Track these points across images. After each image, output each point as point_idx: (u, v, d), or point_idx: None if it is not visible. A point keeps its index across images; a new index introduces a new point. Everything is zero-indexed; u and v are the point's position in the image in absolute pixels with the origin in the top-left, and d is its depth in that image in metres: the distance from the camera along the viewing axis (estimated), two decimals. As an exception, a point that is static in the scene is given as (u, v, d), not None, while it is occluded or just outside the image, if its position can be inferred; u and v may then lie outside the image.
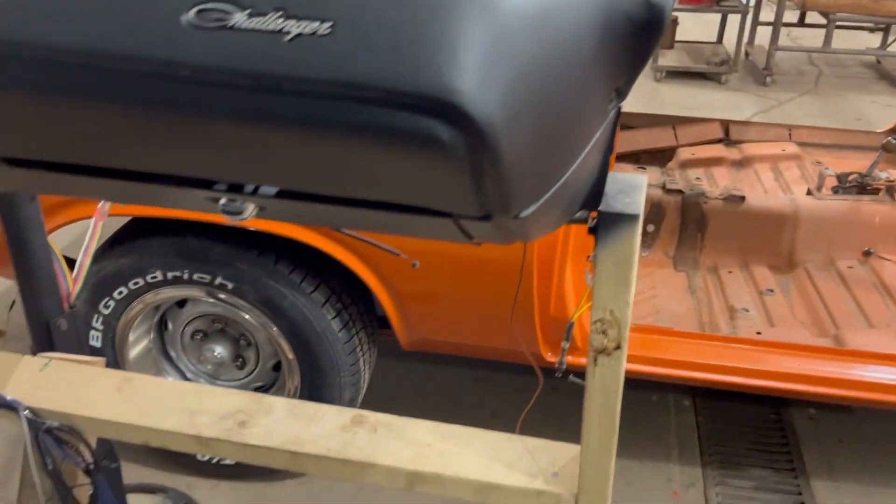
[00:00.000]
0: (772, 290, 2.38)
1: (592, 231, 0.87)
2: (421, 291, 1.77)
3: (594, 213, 0.85)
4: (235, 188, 0.69)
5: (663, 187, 2.63)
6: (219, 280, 1.81)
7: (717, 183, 3.07)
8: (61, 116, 0.61)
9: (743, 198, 2.56)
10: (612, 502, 2.08)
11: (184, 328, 2.03)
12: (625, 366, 0.94)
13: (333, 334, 1.86)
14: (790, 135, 3.33)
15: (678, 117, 3.44)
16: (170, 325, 2.04)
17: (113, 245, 1.86)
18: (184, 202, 0.76)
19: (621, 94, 0.72)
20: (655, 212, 2.61)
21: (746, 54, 5.94)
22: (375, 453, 1.10)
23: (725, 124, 3.38)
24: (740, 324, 2.23)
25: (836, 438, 2.30)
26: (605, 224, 0.84)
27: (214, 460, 2.07)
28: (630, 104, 5.78)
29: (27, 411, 1.16)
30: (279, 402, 1.21)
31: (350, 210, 0.66)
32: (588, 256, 0.92)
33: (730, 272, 2.50)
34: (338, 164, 0.55)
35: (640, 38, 0.64)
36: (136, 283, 1.85)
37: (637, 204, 0.84)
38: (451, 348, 1.99)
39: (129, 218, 1.91)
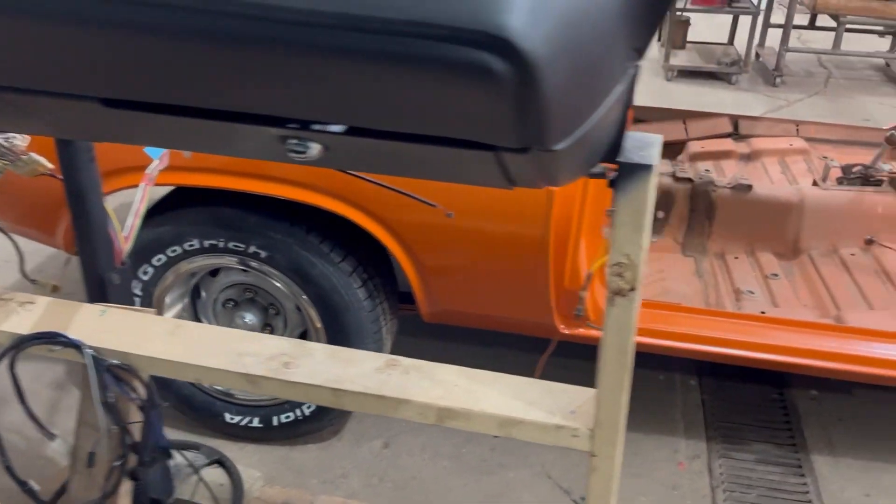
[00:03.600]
0: (777, 275, 2.48)
1: (612, 184, 0.97)
2: (444, 263, 1.88)
3: (614, 167, 0.96)
4: (303, 127, 0.79)
5: (673, 176, 2.73)
6: (252, 248, 1.92)
7: (725, 174, 3.17)
8: (148, 55, 0.71)
9: (750, 187, 2.66)
10: (621, 470, 2.19)
11: (216, 296, 2.15)
12: (639, 307, 1.04)
13: (359, 302, 1.97)
14: (798, 130, 3.43)
15: (689, 111, 3.54)
16: (203, 294, 2.16)
17: (153, 215, 1.98)
18: (255, 143, 0.87)
19: (640, 52, 0.83)
20: (665, 199, 2.71)
21: (757, 56, 6.02)
22: (408, 391, 1.21)
23: (734, 119, 3.48)
24: (746, 304, 2.32)
25: (836, 417, 2.40)
26: (624, 174, 0.94)
27: (243, 422, 2.18)
28: (642, 101, 5.86)
29: (91, 350, 1.27)
30: (319, 347, 1.31)
31: (405, 148, 0.77)
32: (607, 211, 1.03)
33: (736, 258, 2.60)
34: (397, 98, 0.65)
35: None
36: (174, 251, 1.96)
37: (652, 157, 0.94)
38: (471, 320, 2.09)
39: (170, 189, 2.02)
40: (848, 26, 5.60)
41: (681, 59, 5.71)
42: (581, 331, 2.02)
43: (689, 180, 2.71)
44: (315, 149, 0.82)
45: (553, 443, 1.17)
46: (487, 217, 1.76)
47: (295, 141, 0.81)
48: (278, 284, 2.00)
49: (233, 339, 1.32)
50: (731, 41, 5.97)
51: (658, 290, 2.45)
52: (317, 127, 0.80)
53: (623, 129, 0.92)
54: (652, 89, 5.43)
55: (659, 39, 5.90)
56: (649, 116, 3.53)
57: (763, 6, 5.80)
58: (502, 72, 0.59)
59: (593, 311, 1.98)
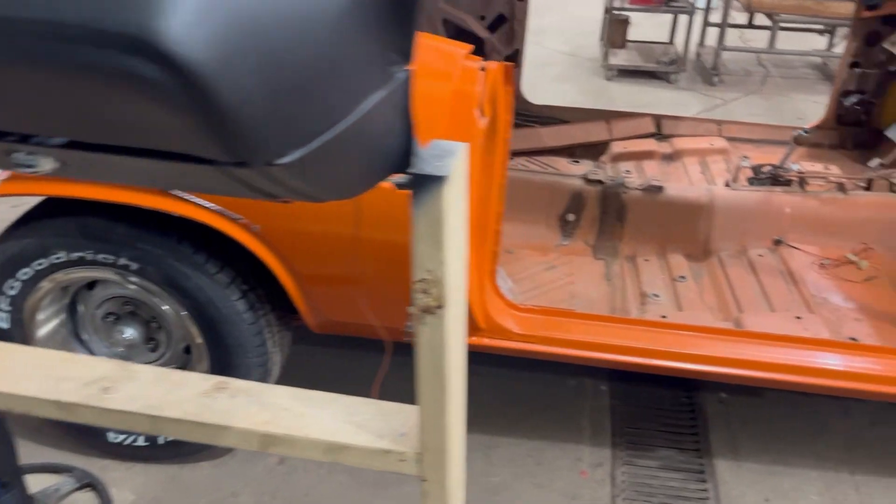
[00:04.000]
0: (684, 277, 2.45)
1: (409, 188, 0.90)
2: (319, 271, 1.80)
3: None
4: (26, 139, 0.72)
5: (585, 178, 2.69)
6: (123, 261, 1.83)
7: (646, 175, 3.14)
8: None
9: (661, 188, 2.63)
10: (522, 481, 2.14)
11: (95, 310, 2.05)
12: (453, 325, 0.98)
13: (238, 315, 1.88)
14: (720, 130, 3.42)
15: (611, 112, 3.51)
16: (80, 307, 2.06)
17: (19, 226, 1.87)
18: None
19: (405, 55, 0.76)
20: (576, 202, 2.68)
21: (698, 55, 6.05)
22: (232, 416, 1.13)
23: (657, 119, 3.46)
24: (650, 308, 2.29)
25: (743, 420, 2.37)
26: (418, 186, 0.88)
27: (127, 441, 2.09)
28: (578, 101, 5.85)
29: None
30: (146, 370, 1.23)
31: (131, 162, 0.70)
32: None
33: (647, 260, 2.57)
34: (82, 107, 0.58)
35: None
36: (40, 265, 1.86)
37: (447, 167, 0.88)
38: (360, 330, 2.02)
39: (41, 199, 1.92)
40: (787, 25, 5.65)
41: (620, 58, 5.70)
42: (474, 339, 1.96)
43: (600, 182, 2.67)
44: (47, 163, 0.74)
45: (382, 468, 1.10)
46: (358, 223, 1.69)
47: (21, 154, 0.74)
48: (156, 298, 1.91)
49: (54, 362, 1.23)
50: (671, 40, 5.98)
51: (564, 295, 2.40)
52: (37, 139, 0.72)
53: (410, 137, 0.85)
54: (590, 89, 5.42)
55: (601, 38, 5.89)
56: (572, 117, 3.50)
57: (701, 5, 5.82)
58: (158, 80, 0.52)
59: (484, 321, 1.93)
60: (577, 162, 3.35)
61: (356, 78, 0.71)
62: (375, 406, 1.16)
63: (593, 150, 3.40)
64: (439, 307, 0.95)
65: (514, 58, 3.46)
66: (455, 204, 0.92)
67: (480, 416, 2.36)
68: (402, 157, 0.87)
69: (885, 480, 2.17)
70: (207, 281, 1.84)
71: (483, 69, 1.64)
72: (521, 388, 2.48)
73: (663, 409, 2.43)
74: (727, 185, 2.68)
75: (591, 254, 2.64)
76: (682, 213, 2.60)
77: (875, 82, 3.20)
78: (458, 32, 3.46)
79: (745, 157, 3.25)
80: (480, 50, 3.50)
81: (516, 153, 3.36)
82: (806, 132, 2.55)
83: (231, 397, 1.17)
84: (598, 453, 2.26)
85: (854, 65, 3.24)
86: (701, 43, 6.09)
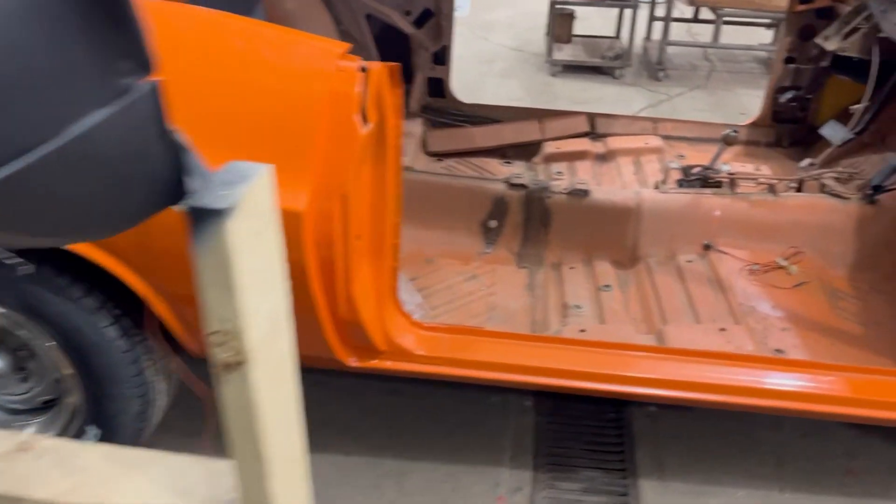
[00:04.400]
0: (609, 286, 2.32)
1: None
2: (190, 291, 1.63)
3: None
4: None
5: (508, 182, 2.55)
6: (-26, 286, 1.64)
7: (578, 177, 3.02)
8: None
9: (587, 192, 2.50)
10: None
11: (-44, 339, 1.85)
12: (264, 383, 0.82)
13: (110, 343, 1.71)
14: (655, 128, 3.31)
15: (545, 110, 3.39)
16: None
17: None
18: None
19: (141, 63, 0.60)
20: (499, 207, 2.54)
21: (644, 49, 5.96)
22: (30, 483, 0.97)
23: (592, 118, 3.34)
24: (571, 321, 2.16)
25: (671, 436, 2.26)
26: (197, 220, 0.72)
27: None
28: (521, 97, 5.72)
29: None
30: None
31: None
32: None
33: (572, 268, 2.44)
34: None
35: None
36: None
37: (232, 196, 0.72)
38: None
39: None
40: (731, 19, 5.58)
41: (565, 53, 5.58)
42: (375, 363, 1.81)
43: (524, 186, 2.53)
44: None
45: (205, 540, 0.95)
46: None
47: None
48: (20, 329, 1.72)
49: None
50: (617, 35, 5.88)
51: (483, 308, 2.26)
52: None
53: (178, 162, 0.69)
54: (533, 85, 5.29)
55: (546, 33, 5.77)
56: (505, 116, 3.36)
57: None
58: None
59: (384, 342, 1.78)
60: (510, 163, 3.22)
61: (59, 92, 0.55)
62: (204, 466, 1.00)
63: (526, 151, 3.27)
64: (240, 363, 0.79)
65: (443, 54, 3.31)
66: (252, 240, 0.76)
67: (395, 439, 2.22)
68: (173, 186, 0.71)
69: (814, 498, 2.07)
70: (73, 306, 1.66)
71: (364, 70, 1.49)
72: (442, 406, 2.34)
73: (589, 425, 2.31)
74: (656, 187, 2.56)
75: (514, 262, 2.50)
76: (609, 217, 2.48)
77: (810, 78, 3.12)
78: (382, 28, 3.30)
79: (677, 156, 3.15)
80: (407, 46, 3.34)
81: (446, 154, 3.22)
82: (735, 132, 2.45)
83: (35, 459, 1.00)
84: (518, 476, 2.12)
85: (789, 60, 3.15)
86: (647, 37, 6.00)
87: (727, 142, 2.47)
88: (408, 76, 3.37)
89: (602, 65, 5.47)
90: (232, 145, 1.42)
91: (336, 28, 3.28)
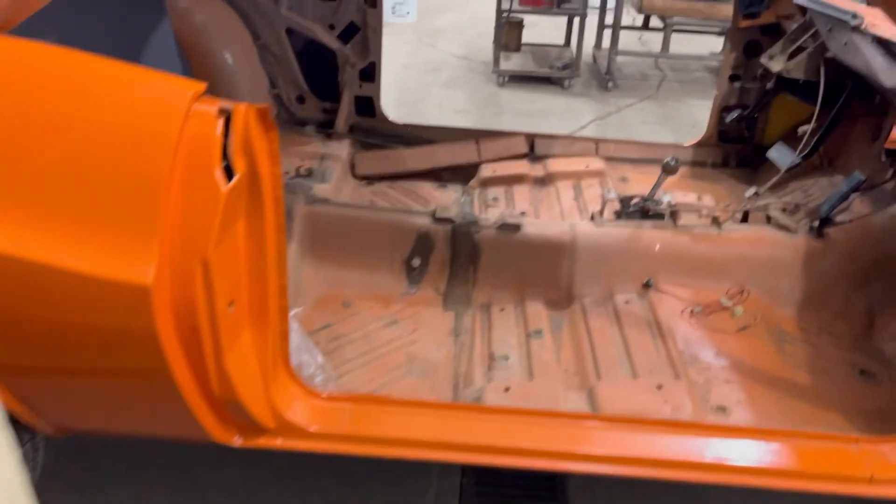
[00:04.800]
0: (540, 331, 2.12)
1: None
2: (23, 363, 1.37)
3: None
4: None
5: (433, 215, 2.33)
6: None
7: (515, 203, 2.82)
8: None
9: (518, 226, 2.30)
10: None
11: None
12: None
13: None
14: (597, 149, 3.13)
15: (482, 131, 3.18)
16: None
17: None
18: None
19: None
20: (423, 243, 2.32)
21: (594, 58, 5.81)
22: None
23: (531, 138, 3.15)
24: (497, 374, 1.95)
25: (609, 498, 2.07)
26: None
27: None
28: (466, 108, 5.50)
29: None
30: None
31: None
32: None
33: (502, 310, 2.23)
34: None
35: None
36: None
37: None
38: (125, 437, 1.61)
39: None
40: (681, 28, 5.45)
41: (514, 62, 5.40)
42: (262, 441, 1.58)
43: (450, 221, 2.32)
44: None
45: None
46: (67, 308, 1.27)
47: None
48: None
49: None
50: (566, 43, 5.72)
51: (402, 359, 2.05)
52: None
53: None
54: (479, 96, 5.09)
55: (494, 42, 5.57)
56: (440, 137, 3.15)
57: (597, 6, 5.58)
58: None
59: (270, 419, 1.54)
60: (445, 186, 3.01)
61: None
62: None
63: (462, 174, 3.06)
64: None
65: (371, 71, 3.08)
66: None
67: (302, 510, 1.99)
68: None
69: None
70: None
71: (225, 111, 1.26)
72: (361, 468, 2.11)
73: (521, 486, 2.11)
74: (592, 218, 2.37)
75: (440, 303, 2.29)
76: (542, 254, 2.28)
77: (756, 97, 2.97)
78: (306, 44, 3.06)
79: (620, 178, 2.97)
80: (333, 62, 3.11)
81: (376, 178, 2.99)
82: (676, 160, 2.26)
83: None
84: (439, 550, 1.91)
85: (734, 77, 3.00)
86: (597, 46, 5.86)
87: (667, 171, 2.29)
88: (335, 94, 3.14)
89: (550, 74, 5.30)
90: (53, 207, 1.18)
91: (254, 43, 3.03)
